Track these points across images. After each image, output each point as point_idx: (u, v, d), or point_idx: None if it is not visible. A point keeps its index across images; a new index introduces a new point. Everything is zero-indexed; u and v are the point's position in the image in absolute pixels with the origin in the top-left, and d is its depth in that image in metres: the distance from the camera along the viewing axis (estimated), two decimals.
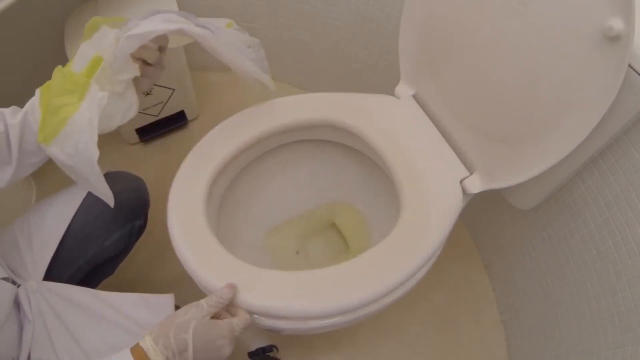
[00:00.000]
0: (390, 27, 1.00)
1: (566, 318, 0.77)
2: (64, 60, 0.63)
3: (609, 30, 0.46)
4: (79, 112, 0.53)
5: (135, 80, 0.59)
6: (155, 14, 0.56)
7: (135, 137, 1.23)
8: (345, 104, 0.77)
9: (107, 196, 0.59)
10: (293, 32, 1.19)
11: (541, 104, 0.56)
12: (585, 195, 0.66)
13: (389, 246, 0.62)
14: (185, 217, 0.64)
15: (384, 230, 0.66)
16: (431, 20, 0.70)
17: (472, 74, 0.66)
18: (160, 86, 1.13)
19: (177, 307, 0.64)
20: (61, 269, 0.66)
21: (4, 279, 0.58)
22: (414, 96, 0.79)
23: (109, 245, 0.71)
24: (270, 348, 0.83)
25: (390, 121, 0.76)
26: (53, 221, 0.67)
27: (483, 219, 1.04)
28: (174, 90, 1.16)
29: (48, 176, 1.15)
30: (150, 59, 0.58)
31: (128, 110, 0.59)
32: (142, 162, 1.23)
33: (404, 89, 0.80)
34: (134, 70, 0.56)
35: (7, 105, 0.58)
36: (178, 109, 1.24)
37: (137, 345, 0.49)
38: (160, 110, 1.19)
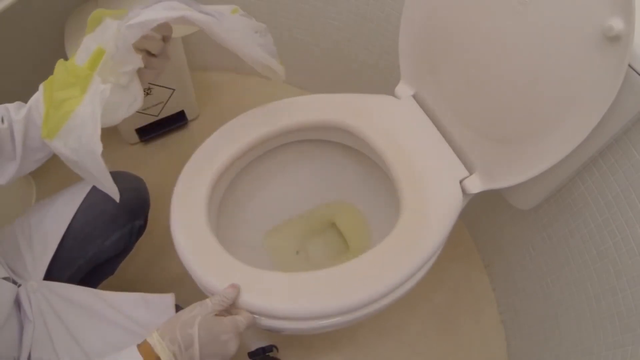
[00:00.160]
0: (390, 27, 1.00)
1: (566, 318, 0.77)
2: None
3: (609, 30, 0.46)
4: (82, 105, 0.52)
5: (140, 72, 0.57)
6: (158, 2, 0.55)
7: (135, 137, 1.23)
8: (345, 104, 0.77)
9: (113, 191, 0.58)
10: (293, 32, 1.19)
11: (541, 103, 0.56)
12: (585, 195, 0.66)
13: (389, 246, 0.62)
14: (187, 217, 0.64)
15: (384, 230, 0.66)
16: (431, 20, 0.70)
17: (472, 74, 0.66)
18: (160, 86, 1.13)
19: (177, 307, 0.64)
20: (61, 269, 0.66)
21: (5, 278, 0.58)
22: (414, 96, 0.79)
23: (109, 245, 0.71)
24: (270, 348, 0.83)
25: (390, 121, 0.76)
26: (53, 221, 0.67)
27: (483, 219, 1.04)
28: (174, 90, 1.16)
29: (48, 176, 1.15)
30: (154, 50, 0.56)
31: (133, 102, 0.58)
32: (142, 162, 1.23)
33: (404, 89, 0.80)
34: (137, 61, 0.54)
35: None
36: (178, 109, 1.24)
37: (144, 341, 0.50)
38: (160, 110, 1.19)
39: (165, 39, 0.58)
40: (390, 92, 0.81)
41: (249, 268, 0.60)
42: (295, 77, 1.35)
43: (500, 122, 0.64)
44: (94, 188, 0.69)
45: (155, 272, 1.06)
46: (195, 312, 0.52)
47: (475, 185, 0.68)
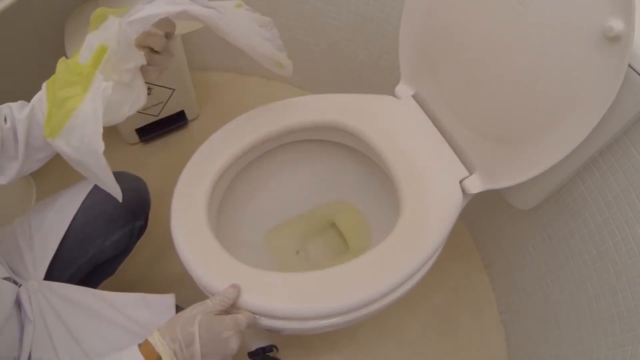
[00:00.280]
0: (390, 27, 1.00)
1: (566, 318, 0.77)
2: None
3: (609, 31, 0.46)
4: (84, 104, 0.51)
5: (143, 69, 0.56)
6: None
7: (135, 137, 1.23)
8: (345, 105, 0.77)
9: (115, 191, 0.58)
10: (293, 32, 1.19)
11: (541, 104, 0.56)
12: (585, 195, 0.66)
13: (389, 246, 0.62)
14: (187, 218, 0.65)
15: (384, 230, 0.66)
16: (431, 20, 0.70)
17: (472, 74, 0.66)
18: (160, 86, 1.13)
19: (177, 308, 0.64)
20: (62, 269, 0.66)
21: (6, 278, 0.58)
22: (414, 96, 0.79)
23: (110, 245, 0.71)
24: (270, 348, 0.83)
25: (390, 121, 0.76)
26: (54, 221, 0.67)
27: (483, 219, 1.04)
28: (174, 90, 1.16)
29: (48, 176, 1.15)
30: (157, 46, 0.55)
31: (136, 100, 0.57)
32: (142, 162, 1.23)
33: (404, 89, 0.80)
34: (140, 57, 0.53)
35: None
36: (178, 109, 1.24)
37: (145, 341, 0.50)
38: (160, 110, 1.19)
39: (168, 36, 0.57)
40: (390, 92, 0.81)
41: (249, 268, 0.60)
42: (295, 77, 1.35)
43: (500, 122, 0.64)
44: (94, 188, 0.69)
45: (156, 272, 1.06)
46: (196, 311, 0.53)
47: (475, 185, 0.68)
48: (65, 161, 0.57)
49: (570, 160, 0.58)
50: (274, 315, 0.58)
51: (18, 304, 0.60)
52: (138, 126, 1.21)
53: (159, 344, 0.49)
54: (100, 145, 0.51)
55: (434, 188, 0.68)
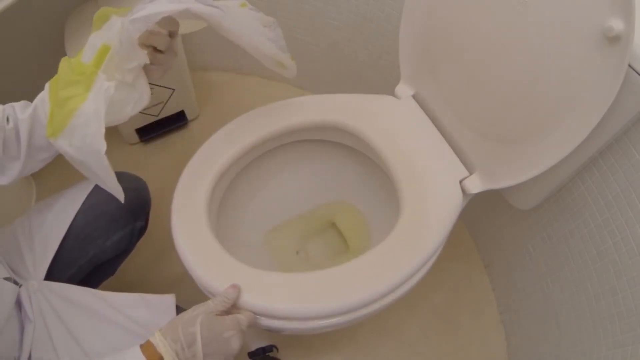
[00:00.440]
0: (390, 27, 1.00)
1: (566, 318, 0.77)
2: None
3: (609, 31, 0.46)
4: (86, 103, 0.51)
5: (146, 68, 0.56)
6: None
7: (135, 137, 1.23)
8: (345, 105, 0.77)
9: (117, 191, 0.58)
10: (293, 32, 1.19)
11: (541, 104, 0.56)
12: (585, 195, 0.66)
13: (389, 246, 0.62)
14: (188, 218, 0.65)
15: (384, 230, 0.66)
16: (431, 20, 0.70)
17: (472, 74, 0.66)
18: (160, 86, 1.13)
19: (178, 308, 0.64)
20: (62, 269, 0.66)
21: (6, 278, 0.58)
22: (414, 96, 0.79)
23: (110, 245, 0.71)
24: (270, 348, 0.83)
25: (390, 121, 0.76)
26: (54, 221, 0.67)
27: (483, 219, 1.04)
28: (174, 90, 1.16)
29: (48, 176, 1.15)
30: (160, 45, 0.55)
31: (139, 100, 0.56)
32: (142, 162, 1.23)
33: (404, 89, 0.80)
34: (142, 56, 0.52)
35: None
36: (178, 109, 1.24)
37: (147, 341, 0.50)
38: (160, 110, 1.19)
39: (172, 35, 0.56)
40: (390, 92, 0.81)
41: (249, 268, 0.60)
42: (295, 77, 1.34)
43: (500, 122, 0.64)
44: (95, 188, 0.69)
45: (156, 272, 1.06)
46: (197, 311, 0.53)
47: (475, 185, 0.68)
48: (66, 161, 0.57)
49: (570, 160, 0.58)
50: (274, 315, 0.58)
51: (18, 304, 0.60)
52: (138, 126, 1.21)
53: (161, 345, 0.49)
54: (103, 145, 0.51)
55: (434, 188, 0.68)
